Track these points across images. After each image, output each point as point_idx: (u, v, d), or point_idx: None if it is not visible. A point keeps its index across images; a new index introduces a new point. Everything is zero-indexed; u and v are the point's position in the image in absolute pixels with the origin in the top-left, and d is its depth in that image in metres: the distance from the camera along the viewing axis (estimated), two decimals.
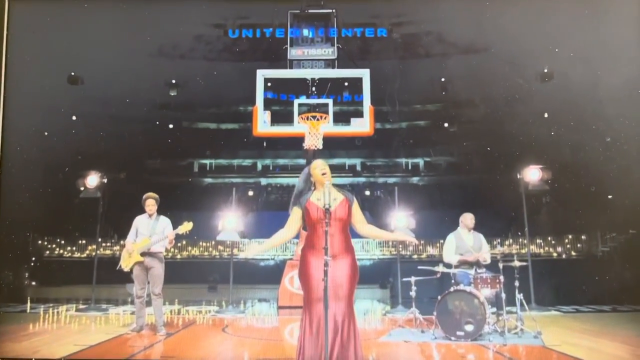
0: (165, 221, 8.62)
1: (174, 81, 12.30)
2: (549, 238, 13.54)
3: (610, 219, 11.05)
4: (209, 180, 17.20)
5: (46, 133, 11.24)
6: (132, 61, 11.62)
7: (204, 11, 11.90)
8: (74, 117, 11.80)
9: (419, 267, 8.53)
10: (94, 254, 12.57)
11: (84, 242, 14.27)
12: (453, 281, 8.34)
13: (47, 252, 14.25)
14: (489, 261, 8.54)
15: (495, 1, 9.89)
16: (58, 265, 13.28)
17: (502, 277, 8.15)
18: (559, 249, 13.50)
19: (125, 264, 8.41)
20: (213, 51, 12.11)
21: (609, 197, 10.80)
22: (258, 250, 5.72)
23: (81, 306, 11.33)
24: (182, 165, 17.11)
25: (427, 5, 11.03)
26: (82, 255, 14.31)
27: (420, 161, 17.67)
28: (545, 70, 11.16)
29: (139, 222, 8.65)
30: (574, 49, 10.02)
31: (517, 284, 8.23)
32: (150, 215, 8.57)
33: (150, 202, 8.59)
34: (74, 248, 14.32)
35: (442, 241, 8.84)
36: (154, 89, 12.17)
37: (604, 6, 9.17)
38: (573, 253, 13.19)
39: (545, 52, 10.30)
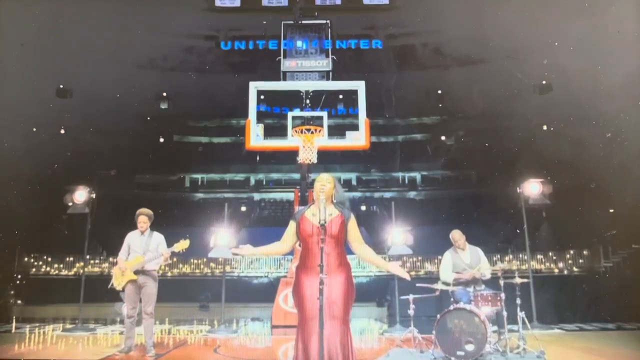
0: (159, 238, 8.27)
1: (164, 94, 12.08)
2: (550, 253, 13.28)
3: (613, 233, 10.85)
4: (200, 195, 16.95)
5: (35, 128, 10.99)
6: (122, 73, 11.42)
7: (196, 23, 11.75)
8: (62, 131, 11.57)
9: (418, 285, 8.26)
10: (81, 271, 12.26)
11: (71, 259, 13.93)
12: (452, 299, 8.05)
13: (34, 269, 13.91)
14: (488, 276, 8.25)
15: None
16: (44, 283, 12.93)
17: (503, 295, 7.87)
18: (560, 265, 13.24)
19: (117, 283, 8.04)
20: (205, 63, 11.91)
21: (611, 210, 10.60)
22: (252, 252, 5.38)
23: (68, 326, 10.97)
24: (173, 180, 16.85)
25: (424, 10, 10.88)
26: (70, 273, 13.95)
27: (417, 175, 17.48)
28: (544, 82, 10.98)
29: (131, 238, 8.28)
30: (574, 43, 9.82)
31: (518, 301, 7.96)
32: (142, 232, 8.25)
33: (143, 219, 8.23)
34: (61, 265, 13.97)
35: (440, 257, 8.54)
36: (144, 102, 11.94)
37: None
38: (575, 269, 12.92)
39: (544, 45, 10.10)
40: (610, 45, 9.18)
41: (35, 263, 13.61)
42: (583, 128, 10.31)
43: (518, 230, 10.97)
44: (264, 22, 11.99)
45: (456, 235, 8.50)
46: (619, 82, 8.91)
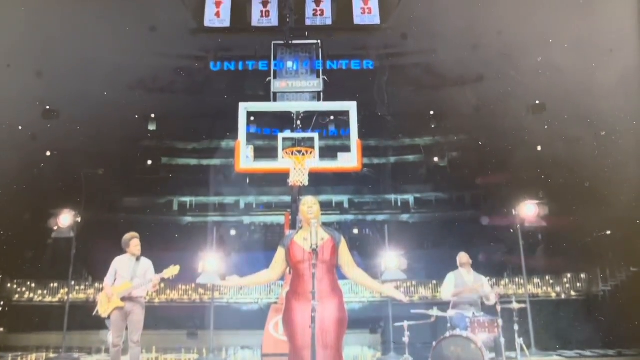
0: (147, 263, 7.99)
1: (152, 115, 11.85)
2: (547, 277, 13.05)
3: (610, 256, 10.68)
4: (189, 219, 16.65)
5: (19, 151, 10.75)
6: (110, 94, 11.22)
7: (185, 43, 11.60)
8: (47, 153, 11.32)
9: (412, 311, 8.04)
10: (66, 297, 11.92)
11: (55, 285, 13.56)
12: (449, 325, 7.85)
13: (17, 295, 13.52)
14: (492, 302, 8.05)
15: None
16: (28, 310, 12.55)
17: (500, 320, 7.68)
18: (558, 289, 12.99)
19: (103, 309, 7.74)
20: (194, 84, 11.74)
21: (608, 232, 10.43)
22: (238, 282, 5.15)
23: (51, 355, 10.65)
24: (161, 203, 16.57)
25: (416, 30, 10.79)
26: (54, 299, 13.58)
27: (410, 197, 17.27)
28: (537, 102, 10.86)
29: (119, 263, 7.98)
30: (568, 40, 9.68)
31: (516, 327, 7.76)
32: (132, 257, 7.95)
33: (136, 242, 7.93)
34: (45, 291, 13.59)
35: (434, 282, 8.39)
36: (132, 123, 11.71)
37: None
38: (573, 293, 12.68)
39: (538, 43, 9.96)
40: (604, 42, 9.10)
41: (19, 289, 13.25)
42: (577, 127, 10.17)
43: (514, 254, 10.72)
44: (254, 61, 11.89)
45: (462, 256, 8.47)
46: (614, 80, 8.84)
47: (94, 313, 7.84)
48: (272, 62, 11.73)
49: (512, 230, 10.70)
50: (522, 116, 10.80)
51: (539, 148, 10.73)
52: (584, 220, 10.71)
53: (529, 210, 10.53)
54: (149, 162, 12.42)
